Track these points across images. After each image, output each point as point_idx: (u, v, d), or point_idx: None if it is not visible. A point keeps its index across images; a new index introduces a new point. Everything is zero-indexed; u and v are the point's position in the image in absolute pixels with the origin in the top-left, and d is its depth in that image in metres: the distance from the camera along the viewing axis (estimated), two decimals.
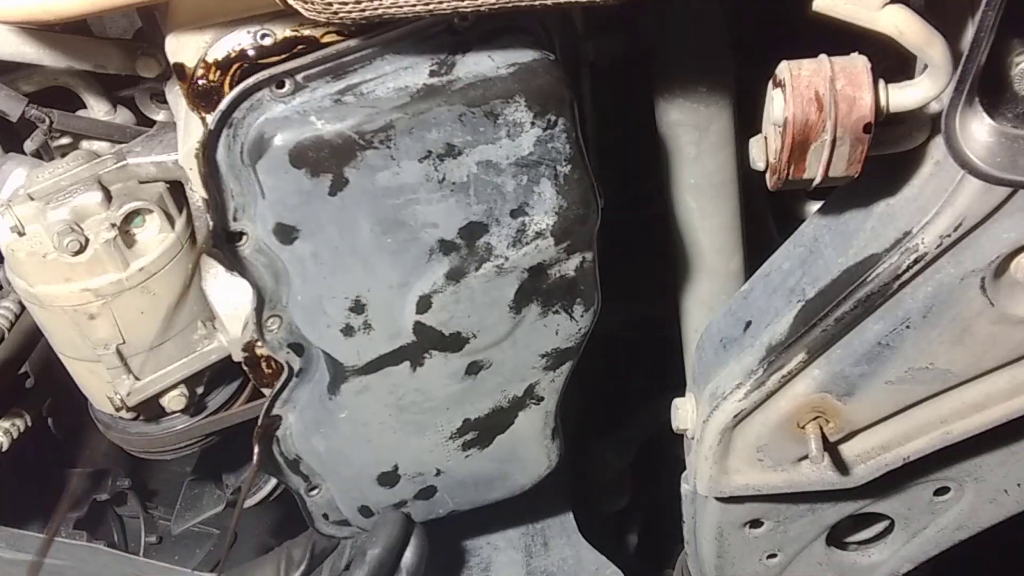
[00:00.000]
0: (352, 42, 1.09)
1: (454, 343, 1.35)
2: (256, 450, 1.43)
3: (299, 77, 1.08)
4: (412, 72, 1.11)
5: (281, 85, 1.08)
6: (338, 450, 1.47)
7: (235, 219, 1.15)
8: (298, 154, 1.09)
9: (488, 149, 1.15)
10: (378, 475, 1.53)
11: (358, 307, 1.26)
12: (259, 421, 1.41)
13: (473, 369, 1.40)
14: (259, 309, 1.23)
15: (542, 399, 1.51)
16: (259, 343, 1.35)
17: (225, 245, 1.16)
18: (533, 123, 1.15)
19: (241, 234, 1.16)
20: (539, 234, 1.25)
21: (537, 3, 0.98)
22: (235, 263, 1.18)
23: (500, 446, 1.55)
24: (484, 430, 1.52)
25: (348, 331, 1.28)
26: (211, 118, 1.08)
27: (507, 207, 1.21)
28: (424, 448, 1.51)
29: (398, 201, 1.16)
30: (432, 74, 1.12)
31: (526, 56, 1.14)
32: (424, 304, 1.28)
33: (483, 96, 1.12)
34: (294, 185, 1.11)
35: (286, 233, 1.16)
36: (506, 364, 1.42)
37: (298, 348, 1.31)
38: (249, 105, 1.08)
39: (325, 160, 1.10)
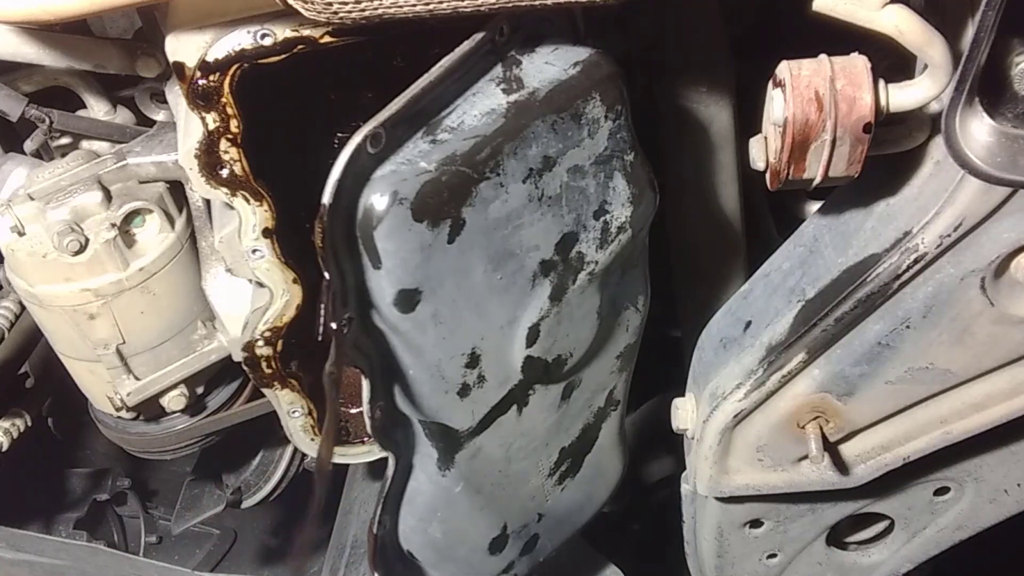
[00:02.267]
0: (419, 84, 1.01)
1: (555, 369, 1.27)
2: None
3: (386, 129, 1.00)
4: (485, 96, 1.07)
5: (376, 141, 0.99)
6: (456, 530, 1.32)
7: (344, 303, 1.03)
8: (420, 205, 0.99)
9: (575, 153, 1.12)
10: (489, 544, 1.40)
11: (473, 360, 1.14)
12: (371, 530, 1.25)
13: (567, 392, 1.33)
14: (373, 399, 1.10)
15: (618, 402, 1.46)
16: (259, 343, 1.35)
17: (343, 336, 1.03)
18: (606, 117, 1.13)
19: (349, 319, 1.04)
20: (620, 228, 1.21)
21: (537, 3, 0.98)
22: (351, 354, 1.05)
23: (588, 466, 1.48)
24: (576, 455, 1.45)
25: (464, 391, 1.15)
26: (326, 196, 0.96)
27: (590, 209, 1.17)
28: (527, 496, 1.40)
29: (507, 231, 1.09)
30: (506, 92, 1.07)
31: (581, 53, 1.12)
32: (533, 335, 1.19)
33: (567, 100, 1.09)
34: (416, 242, 1.01)
35: (408, 299, 1.04)
36: (592, 377, 1.36)
37: (404, 433, 1.18)
38: (354, 171, 0.98)
39: (445, 205, 1.01)
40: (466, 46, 1.05)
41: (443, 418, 1.17)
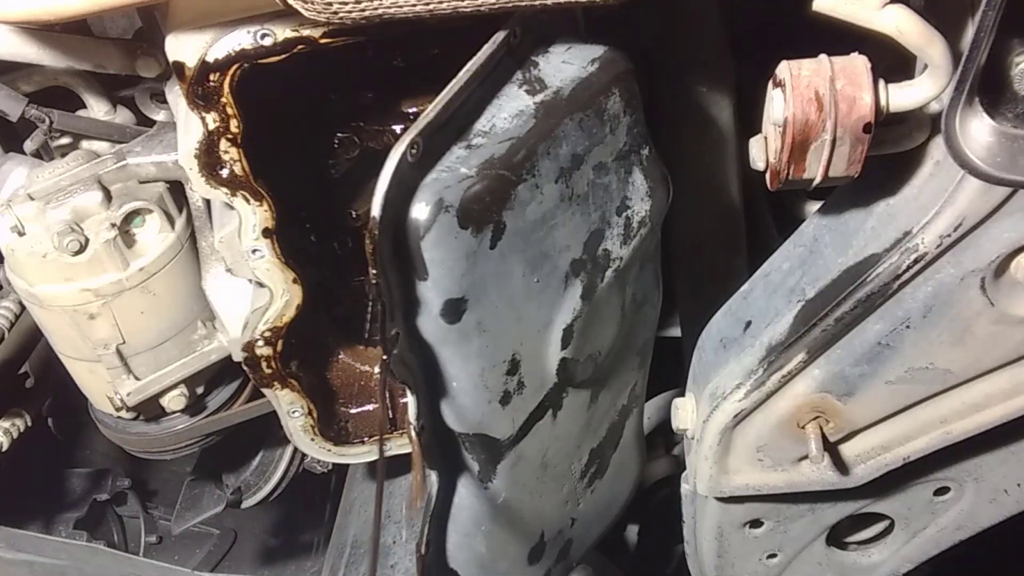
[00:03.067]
0: (449, 91, 1.00)
1: (586, 370, 1.26)
2: None
3: (423, 138, 0.98)
4: (510, 99, 1.06)
5: (415, 150, 0.96)
6: (499, 543, 1.30)
7: (391, 318, 1.00)
8: (465, 212, 0.97)
9: (599, 150, 1.12)
10: (528, 553, 1.39)
11: (513, 367, 1.13)
12: (418, 551, 1.21)
13: (596, 392, 1.32)
14: (419, 416, 1.07)
15: (639, 397, 1.46)
16: (259, 343, 1.35)
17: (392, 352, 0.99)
18: (624, 112, 1.13)
19: (396, 335, 1.01)
20: (641, 223, 1.21)
21: (537, 3, 0.98)
22: (398, 371, 1.02)
23: (614, 465, 1.47)
24: (603, 455, 1.44)
25: (506, 399, 1.14)
26: (375, 209, 0.93)
27: (613, 206, 1.17)
28: (562, 501, 1.39)
29: (542, 232, 1.08)
30: (530, 93, 1.07)
31: (596, 50, 1.12)
32: (567, 337, 1.18)
33: (590, 97, 1.09)
34: (462, 249, 0.99)
35: (455, 309, 1.02)
36: (617, 375, 1.35)
37: (448, 448, 1.16)
38: (397, 182, 0.95)
39: (487, 209, 1.00)
40: (487, 50, 1.04)
41: (485, 428, 1.15)
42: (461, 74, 1.01)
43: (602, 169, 1.13)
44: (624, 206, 1.19)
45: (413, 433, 1.08)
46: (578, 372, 1.24)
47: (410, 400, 1.06)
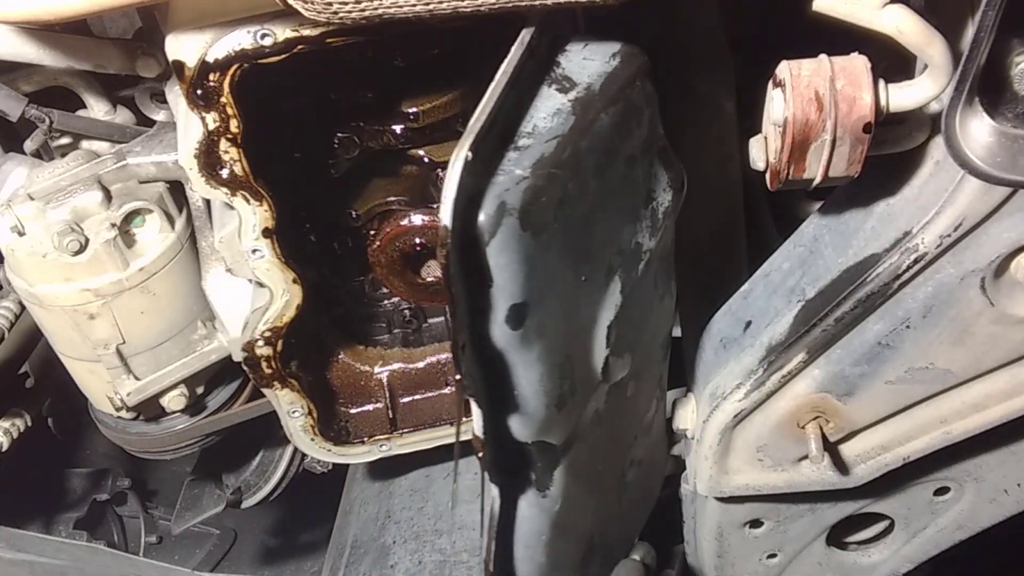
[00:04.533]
0: (493, 94, 0.98)
1: (623, 366, 1.23)
2: None
3: (476, 144, 0.95)
4: (543, 98, 1.05)
5: (472, 155, 0.93)
6: (557, 552, 1.27)
7: (462, 331, 0.97)
8: (525, 214, 0.95)
9: (628, 144, 1.12)
10: (580, 560, 1.36)
11: (567, 370, 1.10)
12: (487, 570, 1.16)
13: (631, 389, 1.30)
14: (486, 430, 1.02)
15: (664, 389, 1.45)
16: (259, 343, 1.35)
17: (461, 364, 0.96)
18: (647, 104, 1.13)
19: (463, 347, 0.97)
20: (665, 214, 1.21)
21: (537, 3, 0.98)
22: (467, 383, 0.98)
23: (648, 460, 1.45)
24: (640, 450, 1.42)
25: (561, 403, 1.10)
26: (446, 218, 0.90)
27: (641, 198, 1.17)
28: (608, 500, 1.37)
29: (587, 229, 1.07)
30: (561, 91, 1.06)
31: (613, 45, 1.12)
32: (611, 335, 1.16)
33: (618, 90, 1.09)
34: (524, 252, 0.97)
35: (518, 314, 0.99)
36: (647, 368, 1.34)
37: (506, 460, 1.11)
38: (463, 191, 0.92)
39: (543, 210, 0.98)
40: (517, 51, 1.03)
41: (544, 435, 1.12)
42: (499, 76, 1.00)
43: (632, 162, 1.12)
44: (650, 198, 1.18)
45: (479, 448, 1.04)
46: (618, 369, 1.22)
47: (475, 413, 1.01)
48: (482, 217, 0.93)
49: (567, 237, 1.03)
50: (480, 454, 1.04)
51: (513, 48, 1.02)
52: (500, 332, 1.00)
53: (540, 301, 1.01)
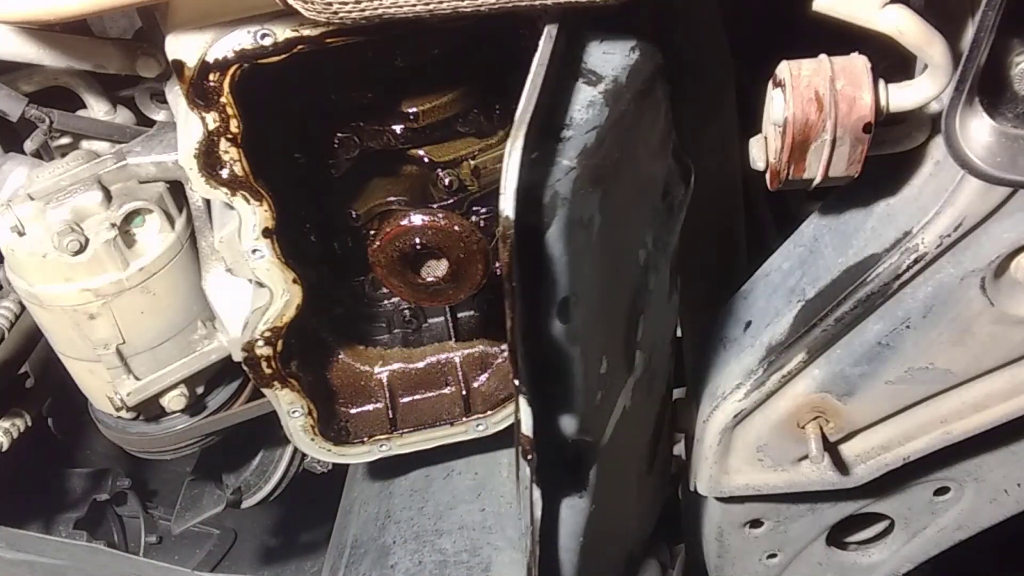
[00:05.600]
0: (533, 89, 0.96)
1: (645, 360, 1.22)
2: None
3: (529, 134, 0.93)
4: (575, 91, 1.04)
5: (528, 145, 0.92)
6: (594, 551, 1.26)
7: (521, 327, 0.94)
8: (575, 204, 0.95)
9: (650, 136, 1.11)
10: (612, 557, 1.35)
11: (605, 365, 1.09)
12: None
13: (648, 384, 1.28)
14: (536, 431, 0.98)
15: (671, 386, 1.44)
16: (259, 343, 1.35)
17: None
18: (663, 97, 1.12)
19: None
20: (679, 207, 1.20)
21: (537, 3, 0.98)
22: (524, 380, 0.95)
23: (661, 455, 1.44)
24: (653, 447, 1.42)
25: (598, 399, 1.10)
26: (509, 210, 0.88)
27: (659, 192, 1.16)
28: (632, 498, 1.36)
29: (622, 222, 1.07)
30: (590, 83, 1.05)
31: (629, 39, 1.11)
32: (639, 328, 1.15)
33: (642, 82, 1.08)
34: (573, 243, 0.97)
35: (567, 308, 0.98)
36: (660, 366, 1.33)
37: (548, 461, 1.07)
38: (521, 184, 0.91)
39: (589, 200, 0.98)
40: (546, 44, 1.01)
41: (583, 433, 1.10)
42: (535, 68, 0.98)
43: (653, 155, 1.12)
44: (667, 191, 1.18)
45: (529, 449, 0.99)
46: (640, 364, 1.21)
47: (525, 412, 0.97)
48: (541, 207, 0.92)
49: (607, 228, 1.03)
50: (530, 456, 0.99)
51: (542, 41, 1.01)
52: (552, 326, 0.98)
53: (585, 295, 1.00)
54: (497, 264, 1.41)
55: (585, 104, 1.03)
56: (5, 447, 1.73)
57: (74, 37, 1.34)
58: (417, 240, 1.38)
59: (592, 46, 1.10)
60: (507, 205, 0.88)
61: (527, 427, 0.98)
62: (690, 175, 1.24)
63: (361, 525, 1.81)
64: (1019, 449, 1.52)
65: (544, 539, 1.13)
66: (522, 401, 0.97)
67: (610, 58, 1.09)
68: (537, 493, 1.07)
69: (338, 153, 1.36)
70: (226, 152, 1.16)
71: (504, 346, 1.55)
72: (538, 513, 1.08)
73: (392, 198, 1.40)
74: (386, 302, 1.59)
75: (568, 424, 1.07)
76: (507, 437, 1.59)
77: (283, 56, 1.08)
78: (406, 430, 1.55)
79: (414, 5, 0.95)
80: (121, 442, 1.67)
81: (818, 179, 1.09)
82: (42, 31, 1.28)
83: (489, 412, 1.52)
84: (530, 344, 0.97)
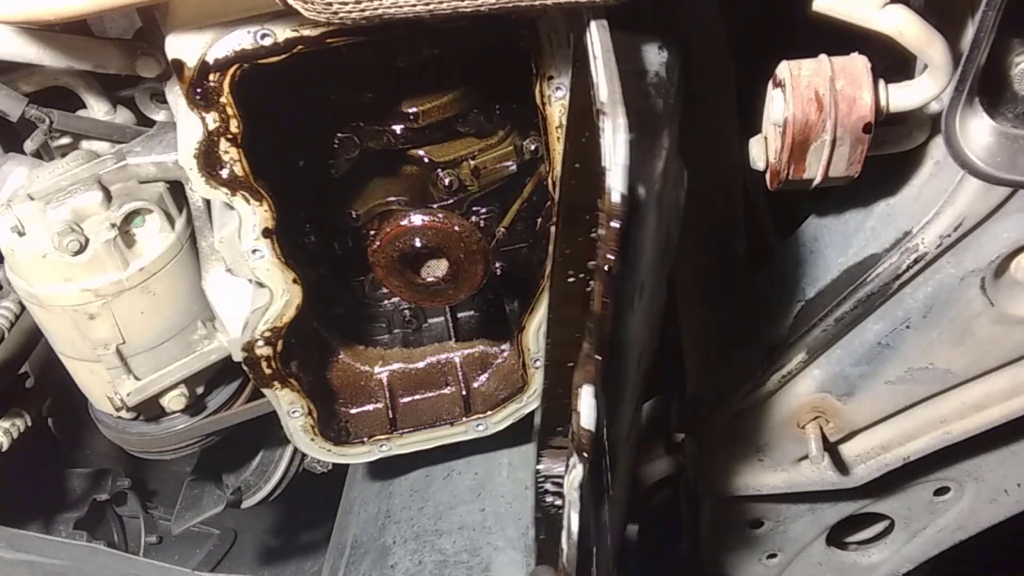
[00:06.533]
0: (612, 77, 0.93)
1: (637, 358, 1.18)
2: None
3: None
4: (626, 83, 0.99)
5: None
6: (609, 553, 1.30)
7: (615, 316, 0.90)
8: (654, 190, 0.96)
9: (673, 130, 1.11)
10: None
11: (638, 356, 1.09)
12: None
13: (639, 373, 1.25)
14: (598, 425, 0.87)
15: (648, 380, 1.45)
16: (259, 343, 1.35)
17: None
18: (678, 92, 1.13)
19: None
20: (680, 206, 1.20)
21: (537, 3, 0.97)
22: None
23: (629, 458, 1.43)
24: (634, 446, 1.42)
25: (631, 389, 1.09)
26: (621, 188, 0.84)
27: (668, 191, 1.16)
28: (625, 486, 1.36)
29: (662, 212, 1.06)
30: (638, 77, 1.06)
31: (651, 37, 1.11)
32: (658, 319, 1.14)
33: (677, 78, 1.08)
34: (647, 229, 0.97)
35: (636, 296, 0.98)
36: (647, 360, 1.27)
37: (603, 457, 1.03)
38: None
39: (654, 185, 0.98)
40: (603, 34, 0.99)
41: (618, 426, 1.05)
42: (604, 56, 0.95)
43: (672, 151, 1.12)
44: (674, 191, 1.19)
45: (586, 446, 0.87)
46: (648, 357, 1.20)
47: (589, 406, 0.86)
48: (642, 191, 0.90)
49: (657, 218, 1.03)
50: (585, 452, 0.87)
51: (596, 31, 0.98)
52: (631, 314, 0.94)
53: (647, 283, 0.99)
54: (497, 264, 1.40)
55: (640, 96, 1.03)
56: (5, 447, 1.73)
57: (74, 37, 1.34)
58: (417, 240, 1.38)
59: (618, 43, 1.10)
60: (618, 182, 0.83)
61: (589, 421, 0.86)
62: (685, 176, 1.24)
63: (361, 525, 1.82)
64: (1019, 449, 1.52)
65: (583, 544, 0.94)
66: (587, 393, 0.86)
67: (644, 55, 1.09)
68: (575, 495, 0.90)
69: (338, 153, 1.36)
70: (226, 152, 1.16)
71: (504, 346, 1.55)
72: (576, 516, 0.91)
73: (392, 198, 1.40)
74: (386, 302, 1.59)
75: (613, 419, 0.98)
76: (507, 437, 1.59)
77: (283, 56, 1.08)
78: (406, 430, 1.55)
79: (414, 5, 0.95)
80: (121, 442, 1.67)
81: (818, 179, 1.09)
82: (42, 31, 1.28)
83: (489, 412, 1.52)
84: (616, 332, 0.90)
